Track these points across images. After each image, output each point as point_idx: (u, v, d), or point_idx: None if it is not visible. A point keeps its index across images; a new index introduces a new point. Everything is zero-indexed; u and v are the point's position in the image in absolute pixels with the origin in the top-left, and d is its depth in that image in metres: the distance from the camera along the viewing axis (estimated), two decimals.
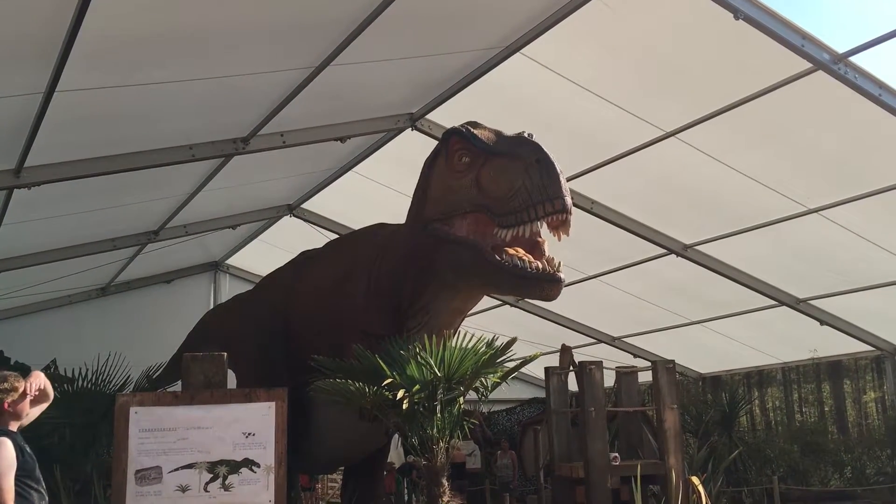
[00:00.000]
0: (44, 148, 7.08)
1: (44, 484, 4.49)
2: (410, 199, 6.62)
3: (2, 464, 4.16)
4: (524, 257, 5.48)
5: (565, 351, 8.40)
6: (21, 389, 4.50)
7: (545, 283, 5.48)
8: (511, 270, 5.45)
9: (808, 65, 7.24)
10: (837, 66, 7.16)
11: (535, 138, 5.66)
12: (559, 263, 5.55)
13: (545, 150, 5.46)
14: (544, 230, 5.63)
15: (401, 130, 9.55)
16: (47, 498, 4.50)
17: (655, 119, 8.46)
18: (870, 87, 7.32)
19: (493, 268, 5.53)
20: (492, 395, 6.52)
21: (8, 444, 4.26)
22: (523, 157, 5.47)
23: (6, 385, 4.45)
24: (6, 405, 4.41)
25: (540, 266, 5.46)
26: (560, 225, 5.50)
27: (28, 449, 4.44)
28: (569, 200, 5.42)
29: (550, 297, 5.60)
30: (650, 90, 8.22)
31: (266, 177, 10.52)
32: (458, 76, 8.35)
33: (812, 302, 11.80)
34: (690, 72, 7.89)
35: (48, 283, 11.96)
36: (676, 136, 8.60)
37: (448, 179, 5.95)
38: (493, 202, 5.56)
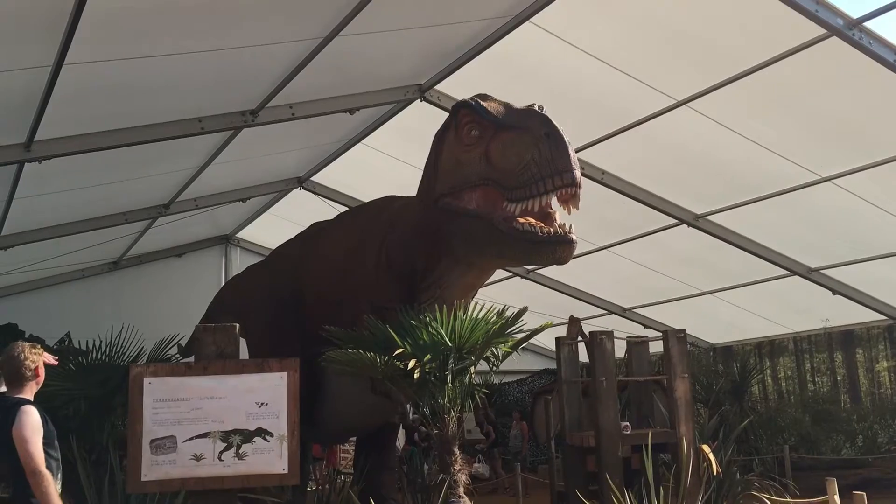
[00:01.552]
0: (53, 122, 7.10)
1: (60, 453, 4.56)
2: (420, 171, 6.61)
3: (28, 428, 4.25)
4: (535, 224, 5.47)
5: (573, 322, 8.40)
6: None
7: (557, 246, 5.46)
8: (523, 236, 5.45)
9: (821, 30, 7.15)
10: (852, 32, 7.07)
11: (545, 111, 5.62)
12: (570, 226, 5.53)
13: (554, 123, 5.43)
14: (554, 203, 5.62)
15: (410, 102, 9.50)
16: (63, 468, 4.57)
17: (667, 87, 8.38)
18: (885, 52, 7.22)
19: (505, 236, 5.52)
20: (503, 366, 6.54)
21: (34, 410, 4.37)
22: (532, 130, 5.44)
23: (37, 350, 4.58)
24: (37, 368, 4.50)
25: (551, 230, 5.46)
26: (570, 198, 5.49)
27: (48, 419, 4.52)
28: (578, 174, 5.40)
29: (563, 260, 5.58)
30: (661, 58, 8.14)
31: (275, 149, 10.51)
32: (467, 46, 8.29)
33: (824, 271, 11.75)
34: (702, 39, 7.79)
35: (61, 257, 12.04)
36: (688, 104, 8.53)
37: (457, 153, 5.93)
38: (503, 175, 5.55)
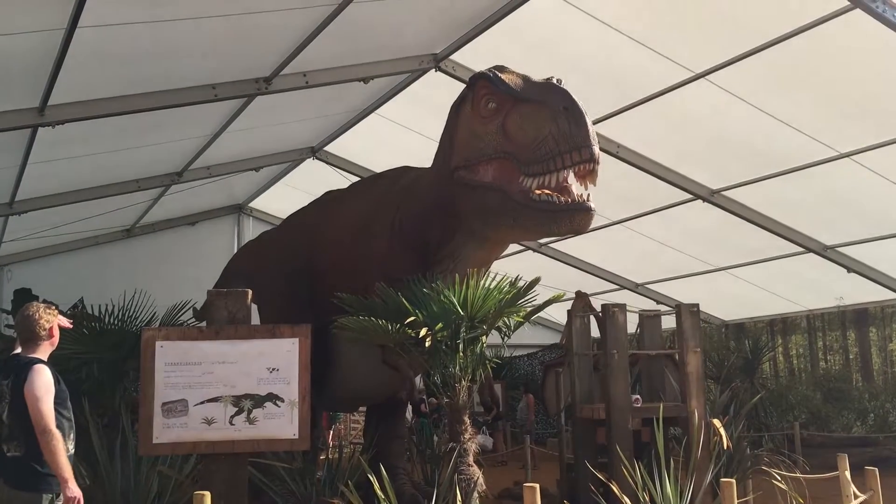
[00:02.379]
0: (67, 86, 7.07)
1: (73, 415, 4.59)
2: (434, 142, 6.55)
3: (40, 387, 4.28)
4: (552, 194, 5.40)
5: (580, 297, 8.34)
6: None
7: (575, 214, 5.38)
8: (540, 206, 5.37)
9: (845, 2, 7.03)
10: (875, 5, 6.94)
11: (564, 84, 5.53)
12: (588, 195, 5.46)
13: (574, 97, 5.34)
14: (570, 178, 5.54)
15: (424, 72, 9.43)
16: (75, 428, 4.59)
17: (685, 60, 8.27)
18: None
19: (521, 207, 5.45)
20: (513, 340, 6.52)
21: (46, 370, 4.39)
22: (551, 104, 5.34)
23: (52, 311, 4.59)
24: (52, 329, 4.52)
25: (569, 199, 5.37)
26: (587, 174, 5.39)
27: (61, 379, 4.54)
28: (597, 149, 5.31)
29: (581, 229, 5.50)
30: (680, 29, 8.01)
31: (288, 118, 10.47)
32: (484, 15, 8.19)
33: (840, 249, 11.67)
34: (722, 10, 7.67)
35: (75, 223, 12.09)
36: (706, 77, 8.42)
37: (474, 125, 5.85)
38: (520, 149, 5.47)
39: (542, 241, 13.35)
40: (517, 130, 5.51)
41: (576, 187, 5.59)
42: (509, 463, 13.73)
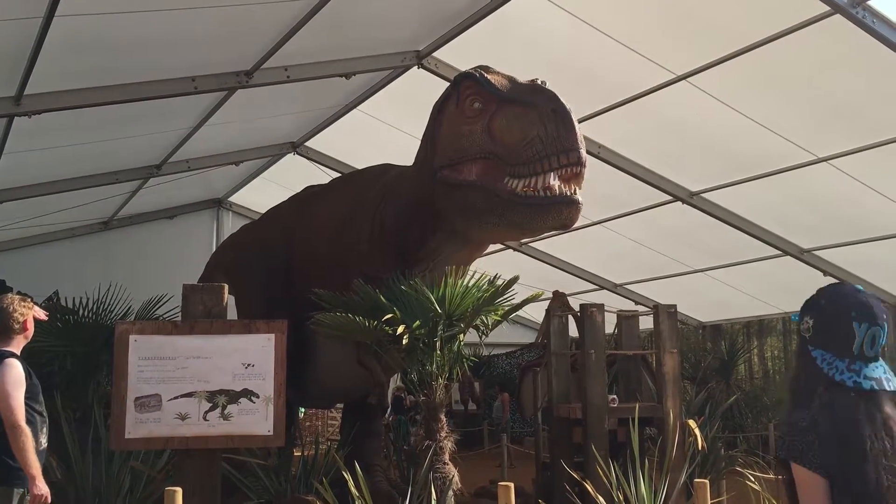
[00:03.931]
0: (44, 76, 6.97)
1: (45, 408, 4.54)
2: (416, 140, 6.52)
3: (9, 382, 4.22)
4: (537, 190, 5.36)
5: (557, 297, 8.35)
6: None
7: (563, 206, 5.32)
8: (525, 200, 5.30)
9: (825, 8, 7.05)
10: (856, 10, 6.98)
11: (547, 84, 5.52)
12: (575, 188, 5.42)
13: (562, 99, 5.32)
14: (555, 180, 5.51)
15: (407, 68, 9.39)
16: (48, 422, 4.54)
17: (667, 62, 8.29)
18: (888, 32, 7.13)
19: (507, 202, 5.40)
20: (492, 338, 6.51)
21: (16, 364, 4.32)
22: (538, 106, 5.31)
23: (27, 303, 4.53)
24: (26, 322, 4.45)
25: (555, 192, 5.31)
26: (573, 178, 5.37)
27: (33, 373, 4.49)
28: (584, 153, 5.29)
29: (569, 222, 5.44)
30: (662, 31, 8.04)
31: (270, 113, 10.41)
32: (468, 12, 8.16)
33: (817, 252, 11.76)
34: (704, 13, 7.70)
35: (51, 214, 11.94)
36: (687, 79, 8.44)
37: (458, 125, 5.81)
38: (505, 151, 5.44)
39: (523, 239, 13.35)
40: (503, 131, 5.47)
41: (560, 187, 5.57)
42: (486, 461, 13.73)
